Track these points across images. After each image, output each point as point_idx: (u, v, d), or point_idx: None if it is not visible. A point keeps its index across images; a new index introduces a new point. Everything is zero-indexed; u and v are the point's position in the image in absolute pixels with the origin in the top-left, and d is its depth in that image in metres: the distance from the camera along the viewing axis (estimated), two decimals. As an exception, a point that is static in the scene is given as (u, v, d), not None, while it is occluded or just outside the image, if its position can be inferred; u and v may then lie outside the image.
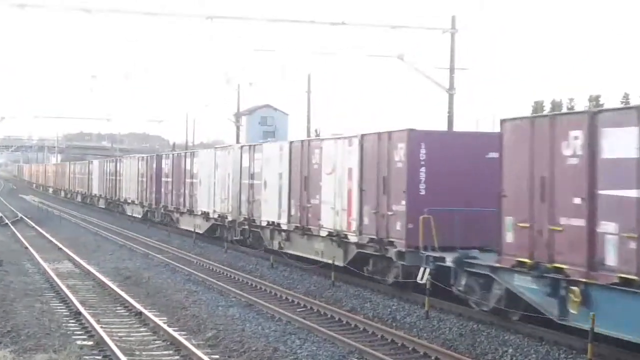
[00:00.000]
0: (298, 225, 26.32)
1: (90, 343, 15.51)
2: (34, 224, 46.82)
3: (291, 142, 27.97)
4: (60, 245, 33.95)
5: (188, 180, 39.49)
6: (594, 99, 61.75)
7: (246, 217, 31.25)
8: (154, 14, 30.12)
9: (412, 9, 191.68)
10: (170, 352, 14.89)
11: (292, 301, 20.66)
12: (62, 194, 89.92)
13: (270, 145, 30.58)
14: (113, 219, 53.72)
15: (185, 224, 40.20)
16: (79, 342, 15.42)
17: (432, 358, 14.57)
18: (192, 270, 26.26)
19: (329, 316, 18.56)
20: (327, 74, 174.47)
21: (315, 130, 63.51)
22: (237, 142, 59.09)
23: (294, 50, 33.55)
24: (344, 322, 17.81)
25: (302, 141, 27.34)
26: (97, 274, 25.23)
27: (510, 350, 14.76)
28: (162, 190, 44.53)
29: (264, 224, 29.38)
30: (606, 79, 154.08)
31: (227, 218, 33.46)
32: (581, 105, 61.41)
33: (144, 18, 30.10)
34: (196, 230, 37.42)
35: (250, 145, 31.97)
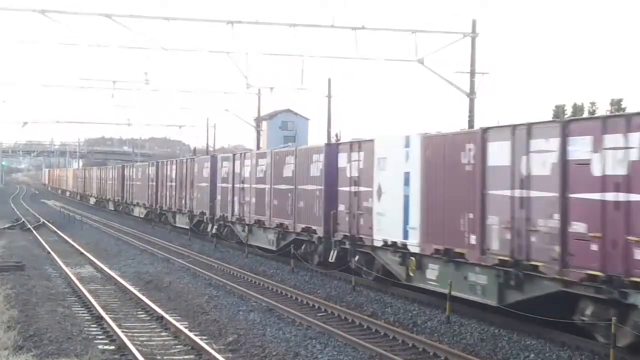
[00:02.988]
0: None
1: (112, 347, 15.58)
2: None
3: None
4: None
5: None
6: (616, 103, 61.28)
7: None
8: (174, 18, 30.23)
9: (432, 13, 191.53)
10: (192, 356, 14.94)
11: (313, 306, 20.65)
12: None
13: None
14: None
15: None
16: (100, 347, 15.49)
17: (454, 363, 14.54)
18: (212, 275, 26.31)
19: (349, 321, 18.55)
20: (347, 78, 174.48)
21: (336, 135, 63.40)
22: (258, 147, 58.97)
23: (314, 54, 33.29)
24: (365, 327, 17.79)
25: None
26: (118, 278, 25.36)
27: (532, 356, 14.69)
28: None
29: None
30: (629, 82, 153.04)
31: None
32: (603, 109, 60.98)
33: (164, 23, 30.17)
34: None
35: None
